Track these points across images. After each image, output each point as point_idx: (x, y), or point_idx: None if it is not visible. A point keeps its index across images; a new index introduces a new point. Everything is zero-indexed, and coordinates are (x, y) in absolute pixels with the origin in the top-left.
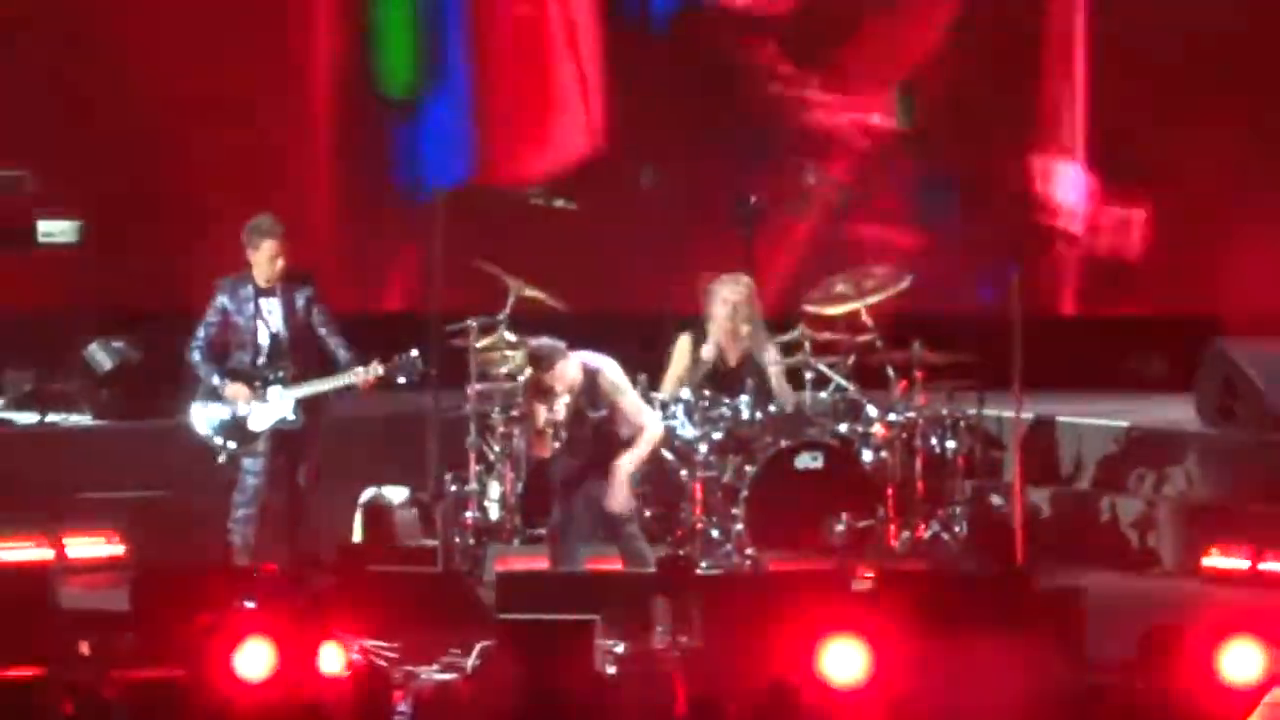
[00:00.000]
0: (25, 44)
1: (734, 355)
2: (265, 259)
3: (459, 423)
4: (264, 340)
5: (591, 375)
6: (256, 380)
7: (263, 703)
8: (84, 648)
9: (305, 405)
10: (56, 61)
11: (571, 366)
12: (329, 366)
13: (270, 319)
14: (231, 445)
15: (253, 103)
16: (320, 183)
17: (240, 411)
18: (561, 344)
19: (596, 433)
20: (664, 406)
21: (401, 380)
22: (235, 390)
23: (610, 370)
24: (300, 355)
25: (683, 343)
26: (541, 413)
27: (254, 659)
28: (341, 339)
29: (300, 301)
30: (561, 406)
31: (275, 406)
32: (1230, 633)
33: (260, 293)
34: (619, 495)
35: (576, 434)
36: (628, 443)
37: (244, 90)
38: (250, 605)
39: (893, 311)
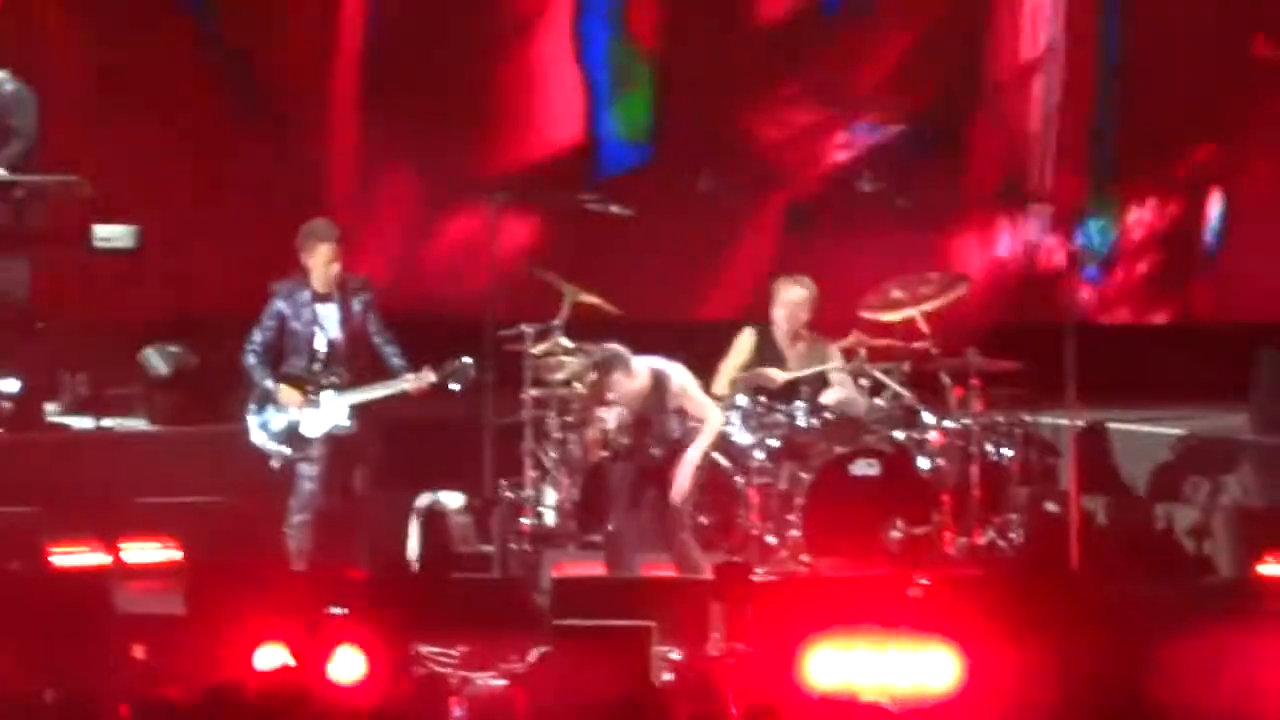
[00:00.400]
0: (85, 47)
1: (794, 360)
2: (321, 263)
3: (515, 429)
4: (320, 346)
5: (661, 379)
6: (310, 386)
7: (337, 707)
8: (140, 652)
9: (359, 411)
10: (115, 64)
11: (636, 375)
12: (382, 373)
13: (327, 325)
14: (286, 450)
15: (311, 105)
16: (376, 187)
17: (294, 417)
18: (625, 352)
19: (657, 439)
20: (717, 400)
21: (455, 387)
22: (289, 395)
23: (678, 374)
24: (355, 361)
25: (745, 337)
26: (597, 417)
27: (347, 664)
28: (396, 347)
29: (357, 307)
30: (614, 416)
31: (329, 412)
32: None
33: (317, 298)
34: (682, 485)
35: (638, 441)
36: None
37: (303, 93)
38: (340, 611)
39: (948, 318)
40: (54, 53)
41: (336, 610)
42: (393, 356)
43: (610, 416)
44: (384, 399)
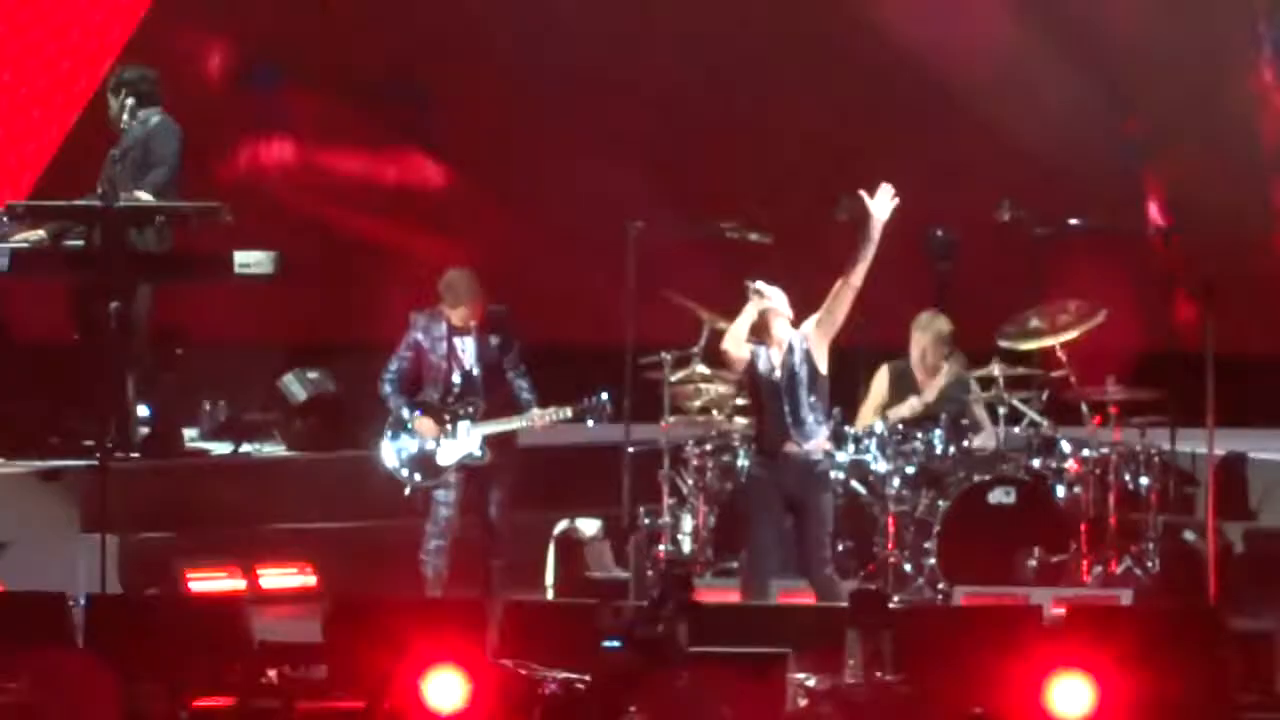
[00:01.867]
0: (230, 74)
1: (931, 391)
2: (459, 317)
3: (652, 455)
4: (456, 378)
5: (804, 337)
6: (446, 415)
7: None
8: (274, 677)
9: (493, 441)
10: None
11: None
12: (515, 405)
13: (464, 357)
14: (418, 478)
15: (450, 133)
16: (511, 213)
17: (428, 446)
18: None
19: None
20: (857, 440)
21: (590, 423)
22: (424, 425)
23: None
24: (490, 393)
25: (882, 375)
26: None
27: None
28: (527, 381)
29: (494, 341)
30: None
31: (463, 442)
32: None
33: (454, 331)
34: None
35: (777, 397)
36: (824, 474)
37: (443, 121)
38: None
39: (1087, 346)
40: (199, 77)
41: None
42: (523, 392)
43: (760, 352)
44: (517, 430)
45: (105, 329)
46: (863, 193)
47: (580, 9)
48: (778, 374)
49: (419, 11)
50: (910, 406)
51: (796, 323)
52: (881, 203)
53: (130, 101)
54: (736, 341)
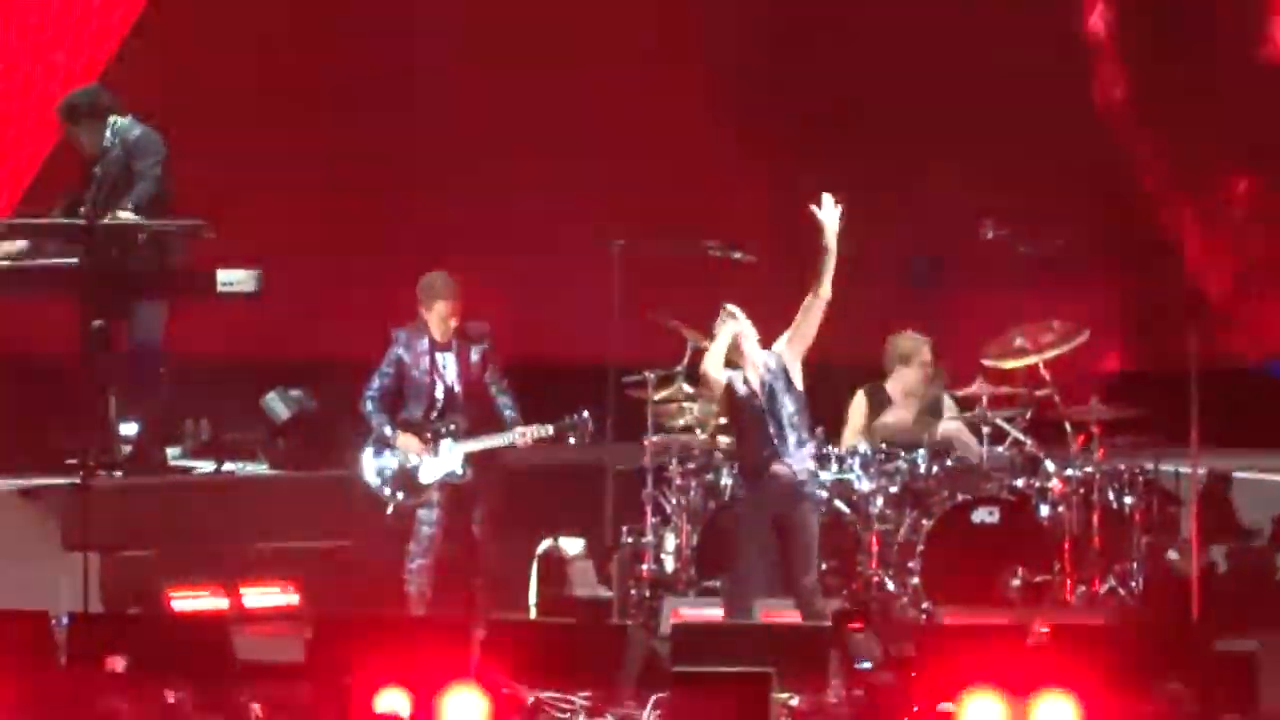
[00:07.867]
0: (211, 94)
1: (910, 411)
2: (438, 319)
3: (636, 475)
4: (439, 394)
5: (778, 356)
6: (428, 433)
7: None
8: (258, 697)
9: (475, 459)
10: (239, 108)
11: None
12: (497, 422)
13: (445, 374)
14: (400, 496)
15: (434, 150)
16: (499, 233)
17: (410, 463)
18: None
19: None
20: (840, 460)
21: (571, 441)
22: (407, 442)
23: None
24: (472, 410)
25: (859, 400)
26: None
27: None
28: (509, 398)
29: (475, 357)
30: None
31: (445, 460)
32: None
33: (436, 347)
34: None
35: (760, 418)
36: (811, 493)
37: (427, 138)
38: None
39: (1071, 365)
40: (182, 97)
41: None
42: (506, 409)
43: (738, 375)
44: (500, 448)
45: (87, 347)
46: (812, 206)
47: (566, 24)
48: (758, 398)
49: (407, 20)
50: (895, 415)
51: (766, 342)
52: (828, 211)
53: (95, 122)
54: (716, 364)
